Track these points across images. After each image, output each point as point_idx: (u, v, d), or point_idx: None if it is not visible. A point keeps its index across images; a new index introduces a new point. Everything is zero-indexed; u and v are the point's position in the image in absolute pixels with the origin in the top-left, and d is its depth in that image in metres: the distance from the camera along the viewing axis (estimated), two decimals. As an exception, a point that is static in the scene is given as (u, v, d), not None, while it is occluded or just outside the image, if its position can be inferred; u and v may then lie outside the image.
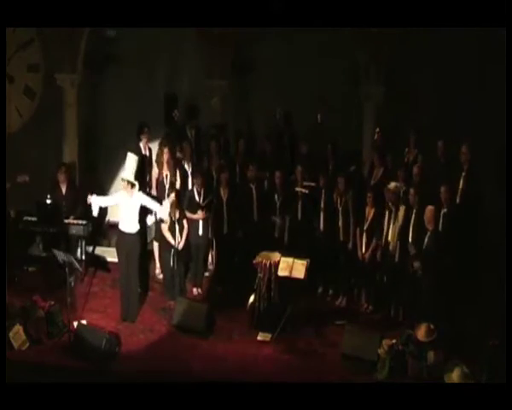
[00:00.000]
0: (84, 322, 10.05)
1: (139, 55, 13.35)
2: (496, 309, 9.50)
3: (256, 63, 13.04)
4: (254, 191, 11.42)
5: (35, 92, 13.34)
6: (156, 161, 11.81)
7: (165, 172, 11.60)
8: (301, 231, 11.25)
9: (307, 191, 11.00)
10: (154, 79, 13.30)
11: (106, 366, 9.29)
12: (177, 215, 10.84)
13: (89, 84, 12.96)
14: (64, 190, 12.09)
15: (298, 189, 11.06)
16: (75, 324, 9.87)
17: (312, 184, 11.23)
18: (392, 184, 10.38)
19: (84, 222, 11.98)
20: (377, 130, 11.68)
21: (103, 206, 10.51)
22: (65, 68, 12.62)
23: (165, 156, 11.57)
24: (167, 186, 11.52)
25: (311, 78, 12.87)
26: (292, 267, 10.13)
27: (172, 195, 10.81)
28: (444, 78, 12.34)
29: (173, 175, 11.60)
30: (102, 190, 13.68)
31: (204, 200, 11.24)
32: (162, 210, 10.49)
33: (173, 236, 10.79)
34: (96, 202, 10.31)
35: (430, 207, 9.80)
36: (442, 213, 9.98)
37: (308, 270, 10.14)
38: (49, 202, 11.86)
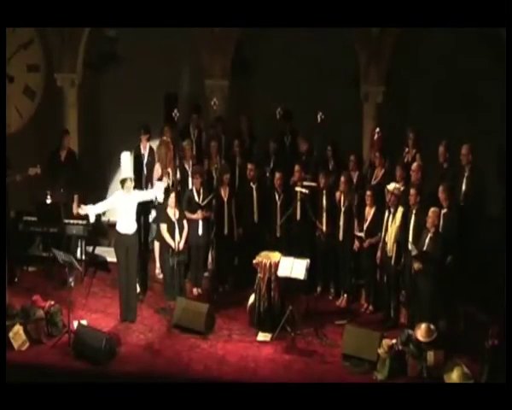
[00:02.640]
0: (84, 322, 10.06)
1: (139, 55, 13.35)
2: (496, 309, 9.49)
3: (256, 63, 13.04)
4: (255, 191, 11.42)
5: (35, 92, 13.35)
6: (158, 160, 11.82)
7: (167, 169, 11.60)
8: (301, 231, 11.27)
9: (307, 191, 11.00)
10: (154, 79, 13.28)
11: (106, 366, 9.30)
12: (177, 216, 10.84)
13: (89, 84, 12.96)
14: (63, 157, 12.13)
15: (298, 189, 11.05)
16: (75, 324, 9.87)
17: (313, 183, 11.23)
18: (392, 185, 10.37)
19: (84, 222, 12.00)
20: (377, 130, 11.68)
21: (101, 212, 10.48)
22: (65, 68, 12.63)
23: (168, 153, 11.57)
24: (170, 183, 11.52)
25: (311, 78, 12.87)
26: (292, 267, 10.14)
27: (172, 195, 10.82)
28: (444, 77, 12.35)
29: (174, 174, 11.61)
30: (102, 190, 13.75)
31: (203, 200, 11.25)
32: (157, 191, 10.47)
33: (172, 237, 10.79)
34: (90, 211, 10.23)
35: (433, 209, 9.78)
36: (442, 213, 9.98)
37: (308, 270, 10.15)
38: (49, 202, 11.87)
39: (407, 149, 11.47)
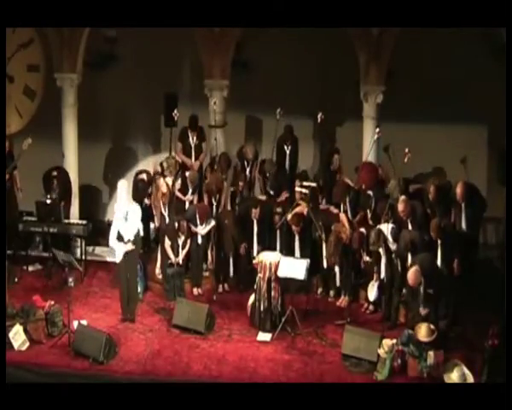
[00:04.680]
0: (84, 322, 10.06)
1: (139, 55, 13.35)
2: (496, 309, 9.50)
3: (256, 63, 13.03)
4: (255, 226, 11.38)
5: (35, 92, 13.33)
6: (151, 192, 11.89)
7: (162, 205, 11.58)
8: (301, 232, 11.30)
9: (307, 191, 11.00)
10: (154, 79, 13.29)
11: (106, 365, 9.30)
12: (183, 239, 10.90)
13: (89, 84, 12.95)
14: (55, 184, 12.20)
15: (298, 189, 11.05)
16: (75, 324, 9.87)
17: (313, 184, 11.24)
18: (392, 183, 10.41)
19: (84, 222, 12.02)
20: (377, 130, 11.69)
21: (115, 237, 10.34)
22: (65, 68, 12.59)
23: (163, 189, 11.55)
24: (166, 214, 11.51)
25: (311, 78, 12.87)
26: (292, 267, 10.14)
27: (182, 238, 10.88)
28: (444, 77, 12.36)
29: (169, 207, 11.53)
30: (102, 190, 13.78)
31: (204, 228, 11.29)
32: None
33: (174, 253, 10.86)
34: (119, 249, 10.25)
35: (434, 221, 9.89)
36: (439, 243, 10.05)
37: (308, 270, 10.16)
38: (48, 202, 11.87)
39: (407, 150, 11.48)
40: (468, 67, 12.25)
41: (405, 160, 11.25)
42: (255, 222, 11.28)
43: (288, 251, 10.87)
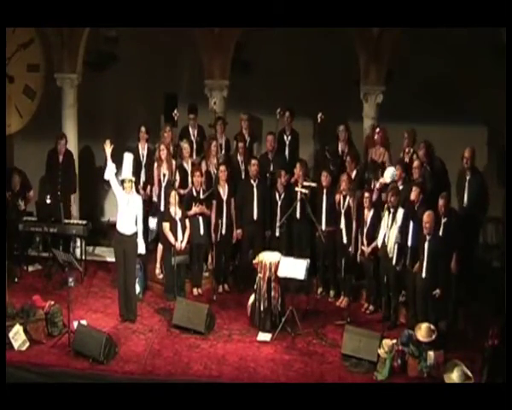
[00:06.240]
0: (84, 322, 10.06)
1: (139, 55, 13.34)
2: (496, 309, 9.50)
3: (256, 63, 13.03)
4: (255, 189, 11.39)
5: (35, 92, 13.32)
6: (155, 159, 11.85)
7: (164, 170, 11.62)
8: (301, 231, 11.28)
9: (307, 191, 11.00)
10: (154, 79, 13.28)
11: (106, 365, 9.30)
12: (179, 215, 10.86)
13: (89, 84, 12.96)
14: (61, 159, 12.30)
15: (298, 189, 11.05)
16: (75, 324, 9.87)
17: (313, 184, 11.23)
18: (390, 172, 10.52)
19: (84, 222, 12.02)
20: (377, 130, 11.68)
21: (111, 179, 10.35)
22: (65, 68, 12.60)
23: (164, 154, 11.60)
24: (164, 184, 11.55)
25: (311, 78, 12.87)
26: (292, 267, 10.14)
27: (173, 193, 10.83)
28: (444, 77, 12.35)
29: (171, 174, 11.62)
30: (102, 190, 13.76)
31: (203, 194, 11.27)
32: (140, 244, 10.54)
33: (175, 235, 10.80)
34: (110, 167, 10.32)
35: (428, 212, 9.75)
36: (442, 222, 9.96)
37: (308, 270, 10.16)
38: (48, 202, 11.88)
39: (407, 150, 11.49)
40: (469, 67, 12.23)
41: (405, 159, 11.28)
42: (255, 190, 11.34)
43: (287, 251, 10.86)
